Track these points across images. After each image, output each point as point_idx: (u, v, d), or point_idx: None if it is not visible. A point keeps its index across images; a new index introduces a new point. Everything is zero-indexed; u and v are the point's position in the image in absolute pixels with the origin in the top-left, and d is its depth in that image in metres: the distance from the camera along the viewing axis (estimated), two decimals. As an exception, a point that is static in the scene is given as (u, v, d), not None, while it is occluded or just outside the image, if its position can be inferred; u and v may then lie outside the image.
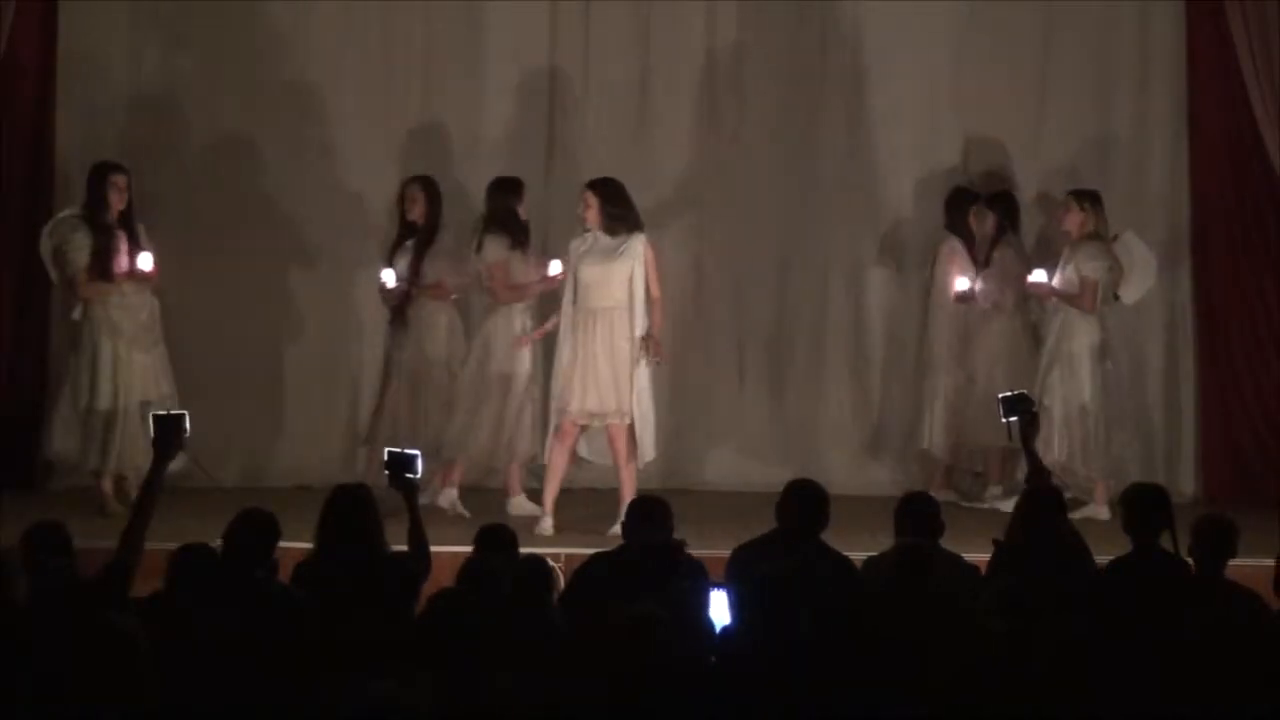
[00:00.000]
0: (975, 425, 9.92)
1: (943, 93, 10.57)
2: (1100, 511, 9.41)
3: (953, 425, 10.09)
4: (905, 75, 10.54)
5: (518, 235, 9.46)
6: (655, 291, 9.14)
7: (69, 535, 6.05)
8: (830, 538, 6.78)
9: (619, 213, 9.09)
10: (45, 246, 9.48)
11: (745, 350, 10.68)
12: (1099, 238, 9.63)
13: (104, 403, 9.35)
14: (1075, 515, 8.81)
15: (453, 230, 9.67)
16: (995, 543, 6.56)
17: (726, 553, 6.73)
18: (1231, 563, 6.26)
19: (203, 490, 9.38)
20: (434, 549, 6.69)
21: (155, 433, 6.30)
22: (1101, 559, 6.59)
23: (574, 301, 9.14)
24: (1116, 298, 9.79)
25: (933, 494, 7.48)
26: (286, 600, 5.82)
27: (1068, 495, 8.28)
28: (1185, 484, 10.24)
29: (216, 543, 6.04)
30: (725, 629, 5.56)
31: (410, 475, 6.74)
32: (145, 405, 9.11)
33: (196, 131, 10.46)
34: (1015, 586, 5.83)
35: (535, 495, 9.45)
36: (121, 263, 9.36)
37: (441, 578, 6.17)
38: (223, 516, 6.21)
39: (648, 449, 9.17)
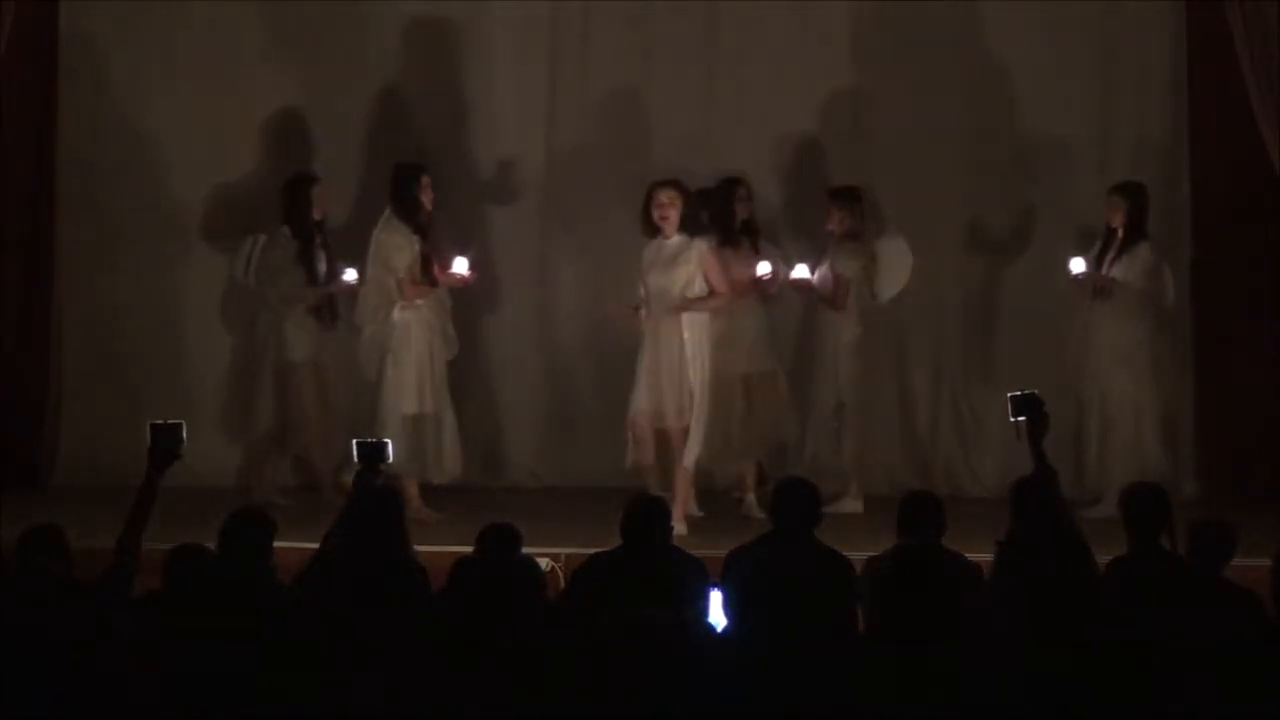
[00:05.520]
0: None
1: (942, 92, 10.57)
2: (854, 505, 9.65)
3: None
4: (904, 76, 10.55)
5: (728, 234, 9.56)
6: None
7: (65, 538, 6.04)
8: (832, 538, 6.79)
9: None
10: (373, 243, 9.41)
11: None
12: (857, 237, 9.74)
13: (428, 406, 9.39)
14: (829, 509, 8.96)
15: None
16: (998, 544, 6.56)
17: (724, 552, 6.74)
18: (1231, 563, 6.27)
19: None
20: (434, 549, 6.71)
21: (151, 440, 6.28)
22: (1101, 559, 6.58)
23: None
24: (874, 295, 9.87)
25: None
26: (283, 600, 5.83)
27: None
28: (1184, 483, 10.23)
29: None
30: (722, 630, 5.56)
31: (384, 463, 6.79)
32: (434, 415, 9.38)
33: (197, 130, 10.48)
34: (1017, 585, 5.85)
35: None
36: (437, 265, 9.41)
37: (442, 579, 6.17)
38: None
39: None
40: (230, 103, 10.48)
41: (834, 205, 9.78)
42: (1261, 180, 10.06)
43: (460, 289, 9.54)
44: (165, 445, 6.24)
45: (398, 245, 9.32)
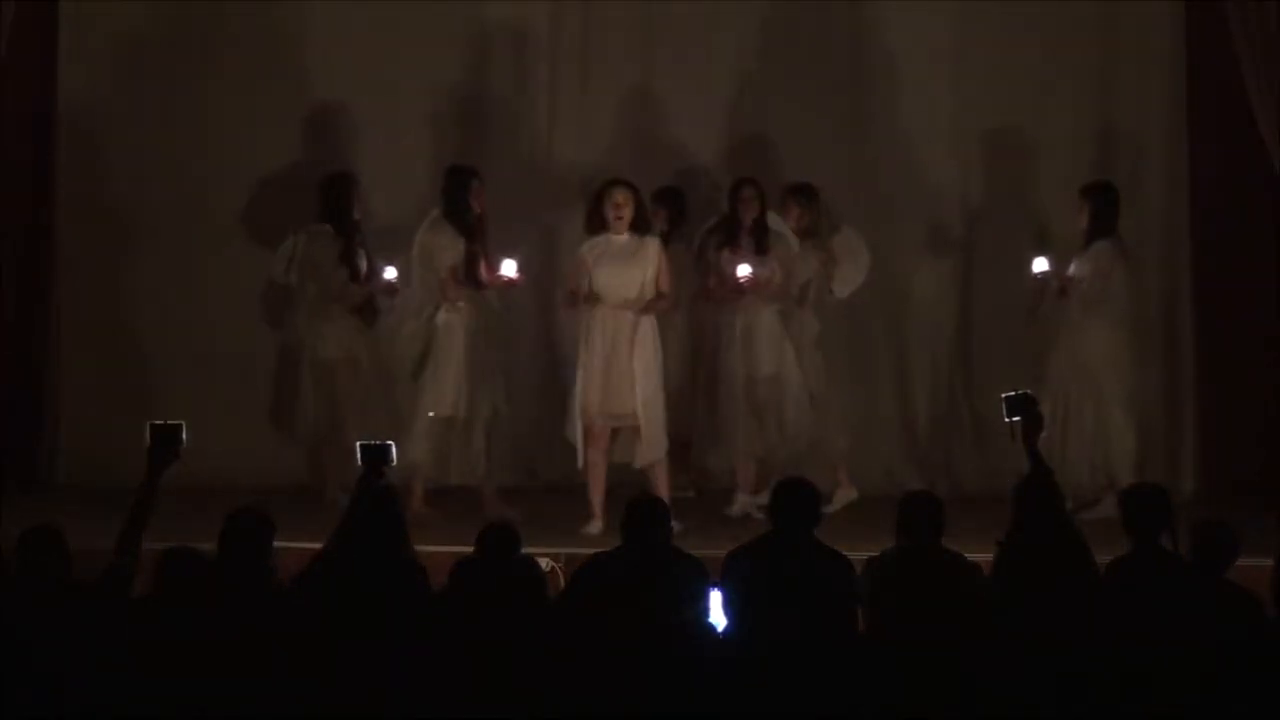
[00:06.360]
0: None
1: (943, 93, 10.59)
2: (849, 494, 9.72)
3: None
4: (904, 76, 10.57)
5: (730, 234, 9.64)
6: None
7: (65, 538, 6.04)
8: (832, 537, 6.78)
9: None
10: (417, 244, 9.47)
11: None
12: (815, 234, 9.80)
13: (461, 410, 9.40)
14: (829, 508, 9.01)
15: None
16: (998, 544, 6.57)
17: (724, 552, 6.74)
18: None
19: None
20: (434, 549, 6.70)
21: (151, 441, 6.27)
22: (1101, 559, 6.58)
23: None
24: (832, 292, 9.90)
25: None
26: (282, 601, 5.83)
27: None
28: (1184, 482, 10.24)
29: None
30: (722, 630, 5.57)
31: (387, 465, 6.79)
32: (492, 417, 9.45)
33: (199, 129, 10.48)
34: (1017, 585, 5.85)
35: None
36: (483, 267, 9.43)
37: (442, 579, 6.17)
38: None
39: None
40: (232, 103, 10.47)
41: (792, 202, 9.82)
42: (1261, 180, 10.05)
43: (507, 290, 9.55)
44: (165, 446, 6.24)
45: (442, 245, 9.39)
